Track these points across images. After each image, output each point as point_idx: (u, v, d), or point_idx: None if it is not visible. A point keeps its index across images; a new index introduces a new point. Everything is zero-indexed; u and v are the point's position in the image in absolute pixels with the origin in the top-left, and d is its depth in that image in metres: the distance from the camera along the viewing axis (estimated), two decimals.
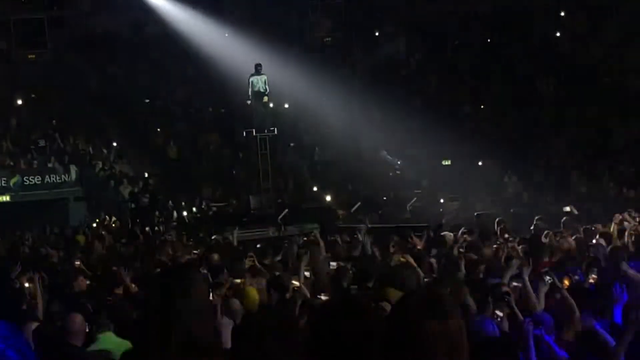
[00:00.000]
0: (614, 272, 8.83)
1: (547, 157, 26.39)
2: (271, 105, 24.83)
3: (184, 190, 26.40)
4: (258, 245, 14.76)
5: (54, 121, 29.85)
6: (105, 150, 28.94)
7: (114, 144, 29.40)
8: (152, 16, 31.37)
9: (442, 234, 13.95)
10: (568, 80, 28.87)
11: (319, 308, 4.20)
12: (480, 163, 26.56)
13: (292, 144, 29.14)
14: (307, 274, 9.71)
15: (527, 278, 7.74)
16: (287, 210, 21.53)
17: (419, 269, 8.65)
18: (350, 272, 9.37)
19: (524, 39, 30.57)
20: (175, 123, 30.79)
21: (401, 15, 33.02)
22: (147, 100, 31.90)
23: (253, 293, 8.21)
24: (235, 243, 15.81)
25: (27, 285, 9.49)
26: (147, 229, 21.19)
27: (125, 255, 14.51)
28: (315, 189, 26.39)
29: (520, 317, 6.89)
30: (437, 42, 32.31)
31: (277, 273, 9.58)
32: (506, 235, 13.63)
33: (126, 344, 6.82)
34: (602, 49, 28.94)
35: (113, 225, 23.00)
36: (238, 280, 8.90)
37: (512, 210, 20.98)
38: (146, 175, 27.55)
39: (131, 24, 34.07)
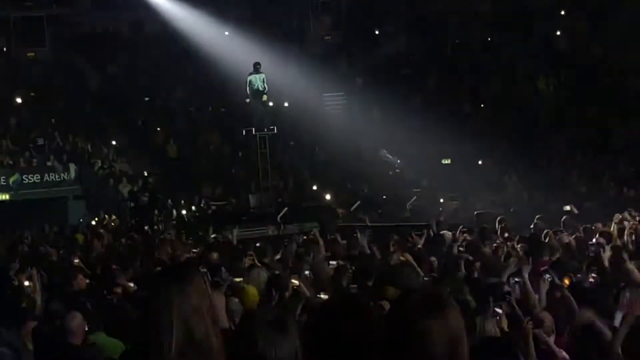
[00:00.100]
0: (616, 271, 8.83)
1: (547, 156, 26.39)
2: (271, 104, 24.82)
3: (184, 189, 26.40)
4: (257, 244, 14.73)
5: (53, 120, 29.84)
6: (104, 149, 28.94)
7: (114, 143, 29.40)
8: (152, 15, 31.36)
9: (441, 232, 13.94)
10: (568, 80, 28.87)
11: (318, 307, 4.19)
12: (480, 162, 26.57)
13: (292, 143, 29.14)
14: (306, 272, 9.71)
15: (527, 276, 7.73)
16: (286, 209, 21.50)
17: (418, 268, 8.63)
18: (350, 271, 9.36)
19: (524, 39, 30.56)
20: (174, 122, 30.80)
21: (401, 14, 33.02)
22: (147, 99, 31.91)
23: (252, 292, 8.19)
24: (234, 242, 15.81)
25: (26, 283, 9.47)
26: (146, 227, 21.19)
27: (124, 254, 14.49)
28: (314, 187, 26.38)
29: (521, 316, 6.88)
30: (437, 41, 32.31)
31: (277, 272, 9.57)
32: (506, 235, 13.63)
33: (117, 344, 6.82)
34: (602, 49, 28.93)
35: (112, 224, 23.00)
36: (237, 279, 8.88)
37: (512, 210, 20.96)
38: (146, 174, 27.54)
39: (131, 22, 34.08)
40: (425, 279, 8.40)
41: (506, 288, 7.38)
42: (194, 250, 14.64)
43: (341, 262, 10.46)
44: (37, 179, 26.65)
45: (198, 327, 3.03)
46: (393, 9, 32.93)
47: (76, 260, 12.76)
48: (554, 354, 6.34)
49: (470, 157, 26.40)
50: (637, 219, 13.83)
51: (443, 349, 2.57)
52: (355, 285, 8.38)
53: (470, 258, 10.09)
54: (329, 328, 3.08)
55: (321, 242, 13.10)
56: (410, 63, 32.58)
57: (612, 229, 12.86)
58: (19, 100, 30.35)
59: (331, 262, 10.77)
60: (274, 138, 24.45)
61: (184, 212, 24.61)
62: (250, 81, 22.99)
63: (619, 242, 11.40)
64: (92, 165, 27.95)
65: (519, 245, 11.58)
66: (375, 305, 4.74)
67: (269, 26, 31.10)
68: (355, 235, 13.45)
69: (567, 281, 8.19)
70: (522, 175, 25.27)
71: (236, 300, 7.84)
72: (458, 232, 13.24)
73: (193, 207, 25.24)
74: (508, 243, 11.99)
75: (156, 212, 24.12)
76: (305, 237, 15.50)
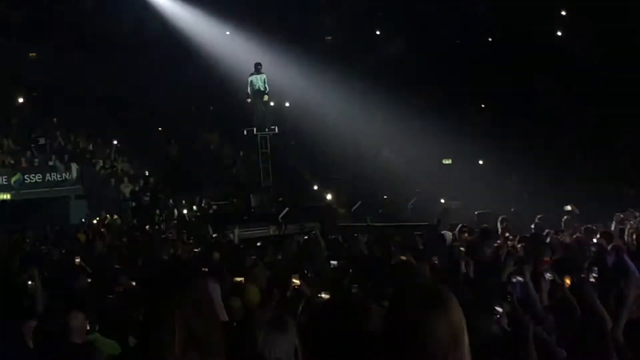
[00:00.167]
0: (619, 270, 8.84)
1: (548, 156, 26.40)
2: (272, 103, 24.83)
3: (185, 188, 26.41)
4: (259, 244, 14.75)
5: (54, 119, 29.86)
6: (106, 149, 28.97)
7: (115, 142, 29.42)
8: (154, 15, 31.37)
9: (441, 232, 13.95)
10: (568, 80, 28.87)
11: (319, 307, 4.20)
12: (480, 162, 26.58)
13: (293, 143, 29.15)
14: (307, 272, 9.72)
15: (528, 276, 7.74)
16: (287, 208, 21.52)
17: (419, 268, 8.65)
18: (351, 271, 9.37)
19: (524, 39, 30.56)
20: (176, 122, 30.81)
21: (401, 14, 33.01)
22: (148, 99, 31.90)
23: (254, 291, 8.20)
24: (236, 241, 15.83)
25: (27, 282, 9.49)
26: (147, 227, 21.20)
27: (125, 253, 14.50)
28: (316, 187, 26.40)
29: (523, 315, 6.89)
30: (437, 42, 32.30)
31: (278, 271, 9.58)
32: (507, 234, 13.63)
33: (112, 344, 6.83)
34: (602, 49, 28.92)
35: (114, 223, 23.00)
36: (238, 279, 8.89)
37: (512, 210, 20.96)
38: (147, 173, 27.58)
39: (133, 22, 34.08)
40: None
41: (508, 288, 7.39)
42: (195, 250, 14.65)
43: (342, 262, 10.48)
44: (38, 179, 26.68)
45: (199, 327, 3.04)
46: (394, 9, 32.92)
47: (77, 260, 12.77)
48: (554, 353, 6.35)
49: (471, 157, 26.42)
50: (638, 218, 13.83)
51: (445, 342, 2.56)
52: (356, 285, 8.39)
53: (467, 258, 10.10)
54: (329, 328, 3.09)
55: (322, 242, 13.12)
56: (410, 63, 32.58)
57: (612, 229, 12.87)
58: (20, 100, 30.39)
59: (332, 262, 10.79)
60: (275, 138, 24.47)
61: (185, 211, 24.63)
62: (251, 82, 23.01)
63: (619, 242, 11.41)
64: (94, 165, 27.99)
65: (519, 245, 11.59)
66: (376, 306, 4.75)
67: (270, 26, 31.09)
68: (356, 235, 13.46)
69: (568, 281, 8.20)
70: (523, 175, 25.29)
71: (237, 299, 7.85)
72: (457, 231, 13.24)
73: (194, 207, 25.27)
74: (509, 243, 11.99)
75: (157, 211, 24.15)
76: (306, 237, 15.51)
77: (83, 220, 24.06)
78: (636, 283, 6.80)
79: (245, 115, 25.45)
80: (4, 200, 25.97)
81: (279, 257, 12.20)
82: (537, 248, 10.43)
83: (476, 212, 20.46)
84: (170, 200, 25.35)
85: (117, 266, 10.78)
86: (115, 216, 23.95)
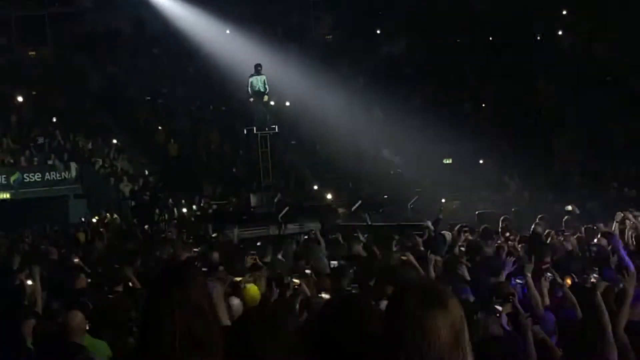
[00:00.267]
0: (619, 270, 8.81)
1: (548, 156, 26.39)
2: (272, 103, 24.81)
3: (185, 188, 26.41)
4: (258, 243, 14.73)
5: (54, 118, 29.86)
6: (105, 148, 28.95)
7: (114, 142, 29.41)
8: (153, 13, 31.38)
9: (441, 232, 13.92)
10: (568, 80, 28.85)
11: (319, 307, 4.19)
12: (481, 162, 26.56)
13: (293, 142, 29.14)
14: (307, 272, 9.70)
15: (529, 276, 7.73)
16: (287, 208, 21.50)
17: (420, 268, 8.64)
18: (351, 270, 9.35)
19: (524, 39, 30.56)
20: (175, 121, 30.80)
21: (402, 14, 33.01)
22: (148, 98, 31.92)
23: (253, 291, 8.19)
24: (235, 241, 15.80)
25: (26, 282, 9.47)
26: (147, 226, 21.19)
27: (125, 253, 14.48)
28: (315, 187, 26.39)
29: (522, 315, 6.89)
30: (438, 41, 32.30)
31: (278, 271, 9.56)
32: (507, 234, 13.61)
33: (102, 345, 6.81)
34: (602, 49, 28.92)
35: (113, 223, 22.99)
36: (238, 278, 8.88)
37: (513, 209, 20.95)
38: (146, 172, 27.57)
39: (132, 21, 34.10)
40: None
41: (510, 289, 7.38)
42: (194, 249, 14.63)
43: (342, 262, 10.46)
44: (38, 178, 26.68)
45: (199, 327, 3.03)
46: (394, 8, 32.92)
47: (77, 259, 12.76)
48: (553, 353, 6.34)
49: (472, 156, 26.40)
50: (639, 218, 13.80)
51: (445, 342, 2.55)
52: (357, 285, 8.38)
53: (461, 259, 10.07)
54: (329, 328, 3.08)
55: (322, 241, 13.10)
56: (410, 63, 32.59)
57: (613, 228, 12.83)
58: (20, 98, 30.38)
59: (332, 262, 10.77)
60: (275, 137, 24.45)
61: (184, 211, 24.62)
62: (251, 82, 23.00)
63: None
64: (93, 164, 27.98)
65: (520, 245, 11.57)
66: (376, 305, 4.74)
67: (270, 24, 31.12)
68: (356, 234, 13.45)
69: (568, 281, 8.20)
70: (524, 175, 25.27)
71: (237, 299, 7.83)
72: (456, 230, 13.21)
73: (194, 206, 25.26)
74: (509, 243, 11.97)
75: (157, 211, 24.15)
76: (306, 237, 15.48)
77: (82, 219, 24.05)
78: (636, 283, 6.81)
79: (245, 115, 25.44)
80: (3, 200, 25.98)
81: (279, 257, 12.18)
82: (537, 248, 10.42)
83: (476, 212, 20.45)
84: (170, 200, 25.35)
85: (116, 266, 10.75)
86: (115, 215, 23.93)
